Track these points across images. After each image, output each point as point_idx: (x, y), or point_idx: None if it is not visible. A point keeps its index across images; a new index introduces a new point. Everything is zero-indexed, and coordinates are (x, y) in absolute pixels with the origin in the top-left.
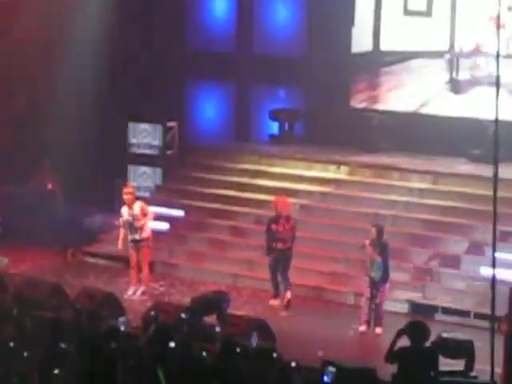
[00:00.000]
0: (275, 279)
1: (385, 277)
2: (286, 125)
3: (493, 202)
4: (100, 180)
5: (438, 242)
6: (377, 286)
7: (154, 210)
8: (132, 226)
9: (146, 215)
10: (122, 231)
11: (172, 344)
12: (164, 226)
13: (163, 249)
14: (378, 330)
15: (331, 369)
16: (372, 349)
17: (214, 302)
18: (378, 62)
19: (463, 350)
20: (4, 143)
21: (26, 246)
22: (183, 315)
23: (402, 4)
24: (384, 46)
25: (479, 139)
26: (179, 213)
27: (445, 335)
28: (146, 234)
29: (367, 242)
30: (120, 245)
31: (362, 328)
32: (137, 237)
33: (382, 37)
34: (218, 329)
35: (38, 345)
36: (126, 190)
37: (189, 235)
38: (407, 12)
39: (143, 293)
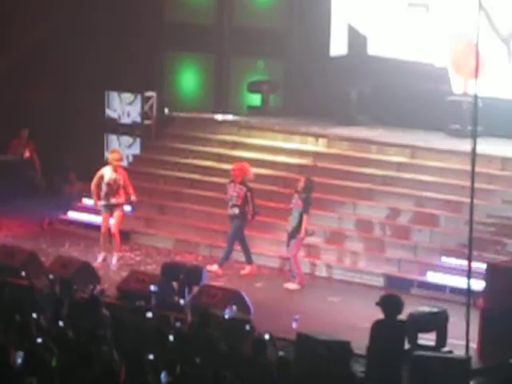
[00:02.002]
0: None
1: (298, 230)
2: (265, 96)
3: (470, 177)
4: (78, 149)
5: (415, 216)
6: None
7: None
8: (111, 190)
9: (125, 181)
10: (101, 190)
11: (149, 314)
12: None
13: (140, 218)
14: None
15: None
16: (344, 320)
17: (190, 276)
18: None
19: (434, 322)
20: None
21: (3, 214)
22: (153, 287)
23: None
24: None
25: (458, 114)
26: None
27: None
28: (122, 199)
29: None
30: (103, 201)
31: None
32: (113, 201)
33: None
34: (182, 301)
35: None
36: (116, 154)
37: (166, 205)
38: None
39: (118, 259)
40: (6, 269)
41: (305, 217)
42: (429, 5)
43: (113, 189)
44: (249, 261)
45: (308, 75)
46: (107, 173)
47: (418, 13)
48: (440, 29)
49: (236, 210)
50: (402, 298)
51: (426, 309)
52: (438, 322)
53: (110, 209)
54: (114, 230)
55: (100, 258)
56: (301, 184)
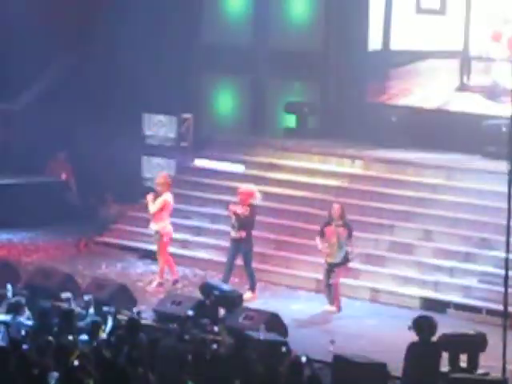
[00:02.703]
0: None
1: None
2: (302, 118)
3: (507, 199)
4: (115, 171)
5: (450, 239)
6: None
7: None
8: (152, 215)
9: (164, 209)
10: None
11: (186, 337)
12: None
13: (178, 240)
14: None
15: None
16: (381, 342)
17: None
18: (389, 61)
19: (466, 345)
20: (20, 136)
21: (40, 235)
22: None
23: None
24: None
25: (495, 136)
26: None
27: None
28: (161, 226)
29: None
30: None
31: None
32: (154, 227)
33: (392, 35)
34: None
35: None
36: (157, 178)
37: (204, 227)
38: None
39: (159, 284)
40: (44, 290)
41: (350, 243)
42: None
43: (152, 214)
44: (252, 288)
45: (344, 97)
46: (148, 197)
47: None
48: None
49: (242, 234)
50: (435, 319)
51: (461, 331)
52: (469, 345)
53: (154, 235)
54: (158, 256)
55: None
56: (336, 212)
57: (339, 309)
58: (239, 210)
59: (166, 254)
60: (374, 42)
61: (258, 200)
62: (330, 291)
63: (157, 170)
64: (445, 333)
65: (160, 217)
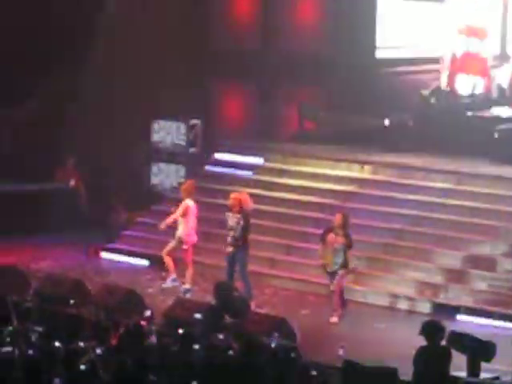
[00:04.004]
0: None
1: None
2: (311, 123)
3: None
4: (124, 177)
5: (461, 243)
6: (334, 275)
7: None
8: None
9: (185, 215)
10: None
11: (196, 346)
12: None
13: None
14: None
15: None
16: (392, 347)
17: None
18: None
19: (469, 347)
20: (29, 143)
21: (49, 242)
22: (198, 315)
23: None
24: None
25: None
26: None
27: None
28: (183, 233)
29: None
30: (162, 225)
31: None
32: (177, 232)
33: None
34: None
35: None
36: (181, 185)
37: (212, 233)
38: None
39: (187, 291)
40: (53, 297)
41: (349, 252)
42: None
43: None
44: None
45: (353, 101)
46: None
47: None
48: None
49: (234, 240)
50: (444, 324)
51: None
52: (474, 349)
53: (176, 239)
54: (185, 263)
55: (170, 280)
56: (338, 221)
57: (340, 317)
58: (233, 221)
59: (189, 259)
60: (383, 46)
61: (250, 206)
62: (334, 299)
63: (165, 176)
64: (454, 330)
65: (181, 223)
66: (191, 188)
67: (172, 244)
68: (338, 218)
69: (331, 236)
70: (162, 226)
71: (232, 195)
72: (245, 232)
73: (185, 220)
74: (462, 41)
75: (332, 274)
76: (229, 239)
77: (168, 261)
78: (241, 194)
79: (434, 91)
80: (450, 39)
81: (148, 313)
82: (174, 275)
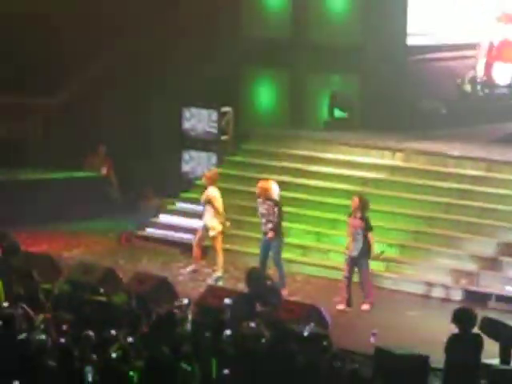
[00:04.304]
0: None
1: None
2: (341, 111)
3: None
4: (155, 164)
5: (492, 231)
6: (356, 261)
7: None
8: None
9: (209, 203)
10: None
11: (227, 332)
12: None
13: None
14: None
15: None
16: (423, 334)
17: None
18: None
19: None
20: (61, 130)
21: (81, 230)
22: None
23: None
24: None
25: None
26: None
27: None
28: (209, 221)
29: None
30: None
31: (341, 306)
32: (203, 221)
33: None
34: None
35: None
36: (206, 173)
37: (243, 220)
38: None
39: (218, 278)
40: (84, 285)
41: (370, 235)
42: None
43: (204, 206)
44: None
45: (384, 89)
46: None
47: None
48: None
49: (270, 226)
50: (475, 311)
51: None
52: (507, 336)
53: (203, 228)
54: (214, 251)
55: (190, 268)
56: (355, 204)
57: (371, 305)
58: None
59: (218, 246)
60: (413, 34)
61: (276, 193)
62: (362, 287)
63: (196, 163)
64: (487, 316)
65: (206, 210)
66: (215, 176)
67: (199, 233)
68: (355, 201)
69: (350, 220)
70: None
71: (259, 183)
72: (279, 219)
73: (209, 208)
74: (500, 28)
75: (352, 260)
76: (263, 227)
77: (196, 250)
78: (267, 182)
79: (470, 80)
80: (488, 26)
81: (185, 301)
82: (194, 266)
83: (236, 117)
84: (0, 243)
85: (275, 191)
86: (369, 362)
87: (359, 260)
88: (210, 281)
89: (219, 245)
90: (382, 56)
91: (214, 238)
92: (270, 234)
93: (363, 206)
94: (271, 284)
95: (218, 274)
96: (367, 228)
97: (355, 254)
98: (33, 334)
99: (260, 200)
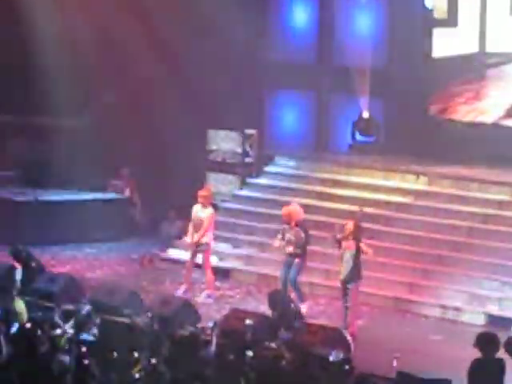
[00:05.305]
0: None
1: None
2: (366, 134)
3: None
4: (179, 187)
5: None
6: (345, 285)
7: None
8: (196, 227)
9: (211, 222)
10: (190, 225)
11: (250, 353)
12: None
13: (246, 258)
14: None
15: None
16: (446, 359)
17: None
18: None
19: None
20: (84, 152)
21: (104, 251)
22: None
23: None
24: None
25: None
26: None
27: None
28: (207, 239)
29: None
30: (189, 238)
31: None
32: (204, 239)
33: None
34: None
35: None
36: (201, 191)
37: (268, 243)
38: None
39: (208, 296)
40: (108, 307)
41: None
42: None
43: (197, 226)
44: (302, 299)
45: (407, 113)
46: (194, 209)
47: None
48: None
49: (295, 250)
50: (498, 336)
51: None
52: None
53: (195, 247)
54: (204, 268)
55: (180, 291)
56: (349, 228)
57: (354, 335)
58: (291, 234)
59: (209, 263)
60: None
61: (301, 217)
62: (348, 311)
63: (220, 185)
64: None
65: (197, 229)
66: (211, 194)
67: (192, 252)
68: (349, 225)
69: (344, 243)
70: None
71: (283, 209)
72: (305, 244)
73: (210, 226)
74: None
75: (343, 284)
76: (287, 250)
77: (210, 276)
78: (289, 207)
79: None
80: None
81: (210, 323)
82: (210, 292)
83: (260, 139)
84: (24, 263)
85: (300, 213)
86: None
87: (348, 283)
88: (199, 299)
89: (209, 262)
90: (407, 79)
91: (206, 255)
92: (295, 256)
93: (356, 229)
94: (294, 307)
95: (208, 291)
96: (359, 252)
97: (342, 278)
98: (56, 355)
99: (286, 226)
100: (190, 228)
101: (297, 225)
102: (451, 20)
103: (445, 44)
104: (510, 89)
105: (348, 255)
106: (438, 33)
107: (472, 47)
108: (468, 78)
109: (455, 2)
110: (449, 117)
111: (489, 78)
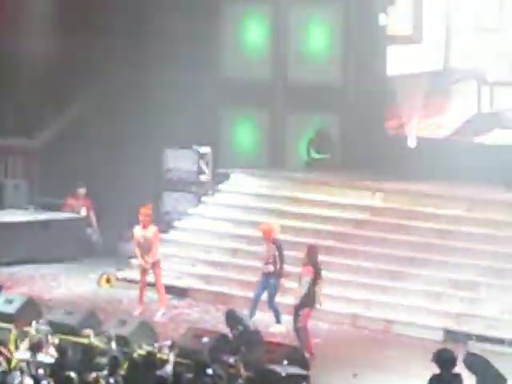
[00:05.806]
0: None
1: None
2: (321, 152)
3: None
4: (134, 206)
5: (472, 269)
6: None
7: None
8: (143, 248)
9: (158, 239)
10: (136, 249)
11: (209, 371)
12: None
13: (203, 277)
14: None
15: None
16: (403, 374)
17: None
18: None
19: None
20: (41, 171)
21: (61, 271)
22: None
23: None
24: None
25: None
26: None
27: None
28: (157, 257)
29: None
30: (141, 262)
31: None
32: (147, 259)
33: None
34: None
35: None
36: (142, 210)
37: (223, 262)
38: None
39: (163, 313)
40: (66, 328)
41: (317, 285)
42: None
43: (144, 247)
44: (279, 319)
45: (364, 129)
46: (136, 232)
47: None
48: None
49: (270, 268)
50: (455, 352)
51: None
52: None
53: (146, 267)
54: (157, 286)
55: (137, 312)
56: (305, 252)
57: (312, 354)
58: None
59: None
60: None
61: (277, 233)
62: (300, 336)
63: (176, 204)
64: (471, 351)
65: (153, 248)
66: (151, 212)
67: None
68: (305, 250)
69: (302, 268)
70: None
71: (261, 227)
72: (280, 262)
73: (150, 244)
74: None
75: (296, 309)
76: (264, 268)
77: (163, 294)
78: (268, 225)
79: None
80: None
81: (167, 342)
82: (140, 309)
83: (215, 157)
84: None
85: (277, 231)
86: None
87: (300, 308)
88: (156, 318)
89: (161, 279)
90: (362, 95)
91: (157, 272)
92: (271, 275)
93: (311, 254)
94: (251, 326)
95: (163, 309)
96: (314, 278)
97: (297, 301)
98: (11, 376)
99: (263, 244)
100: (137, 251)
101: (272, 242)
102: (416, 36)
103: (407, 59)
104: (467, 104)
105: (303, 281)
106: (398, 49)
107: (434, 63)
108: (425, 94)
109: (420, 18)
110: (404, 132)
111: (446, 93)
